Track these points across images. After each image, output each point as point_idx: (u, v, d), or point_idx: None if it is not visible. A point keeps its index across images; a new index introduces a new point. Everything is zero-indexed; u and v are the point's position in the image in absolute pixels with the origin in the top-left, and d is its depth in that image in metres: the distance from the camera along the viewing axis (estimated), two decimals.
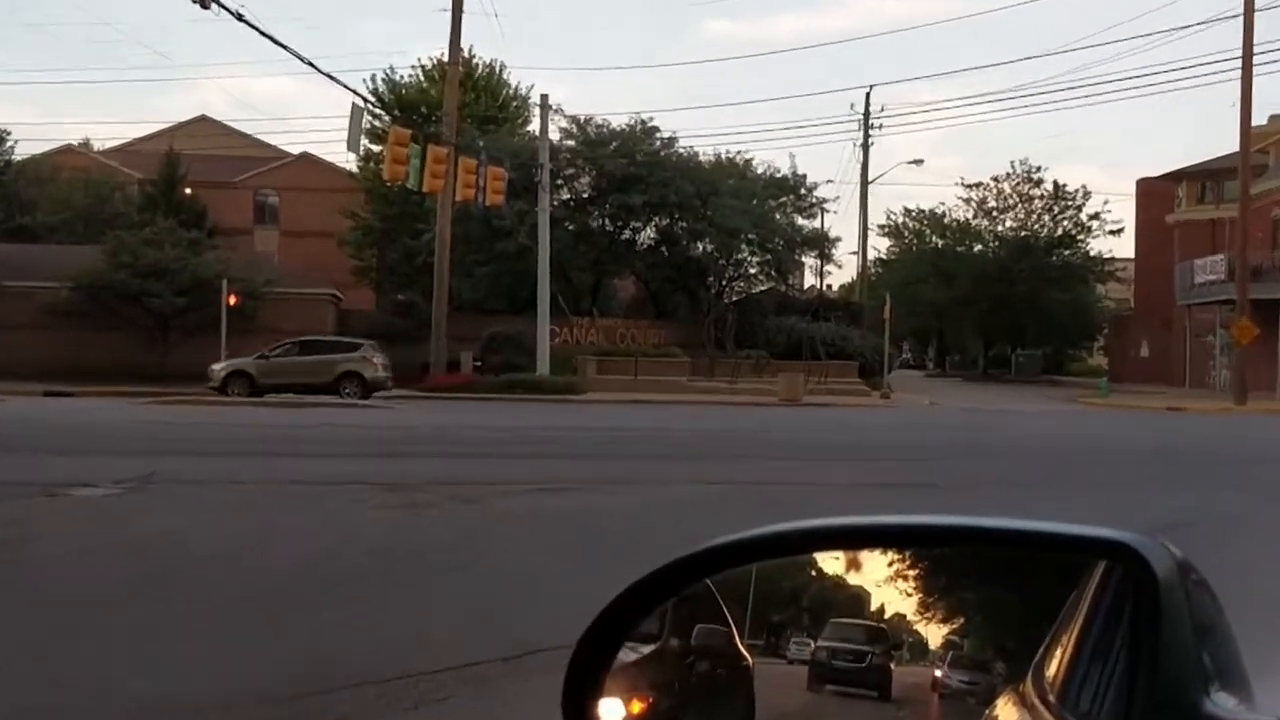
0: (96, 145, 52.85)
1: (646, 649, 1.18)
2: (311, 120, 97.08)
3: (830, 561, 1.24)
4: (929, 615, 1.23)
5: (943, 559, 1.27)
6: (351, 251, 44.03)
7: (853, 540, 1.20)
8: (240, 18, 22.12)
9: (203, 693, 3.87)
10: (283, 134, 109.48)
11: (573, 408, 24.87)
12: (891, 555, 1.24)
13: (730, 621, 1.24)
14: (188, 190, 43.94)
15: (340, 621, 4.89)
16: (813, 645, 1.25)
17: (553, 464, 12.01)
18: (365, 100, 31.67)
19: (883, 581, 1.24)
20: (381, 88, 42.04)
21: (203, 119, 55.29)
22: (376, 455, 12.85)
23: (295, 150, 52.14)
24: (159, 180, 43.32)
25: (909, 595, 1.24)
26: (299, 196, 49.06)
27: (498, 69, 42.79)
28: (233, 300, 30.40)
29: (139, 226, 35.62)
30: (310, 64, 35.17)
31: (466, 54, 36.48)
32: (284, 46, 31.31)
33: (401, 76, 42.86)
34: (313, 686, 3.85)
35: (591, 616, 1.11)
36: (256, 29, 23.09)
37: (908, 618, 1.23)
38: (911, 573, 1.24)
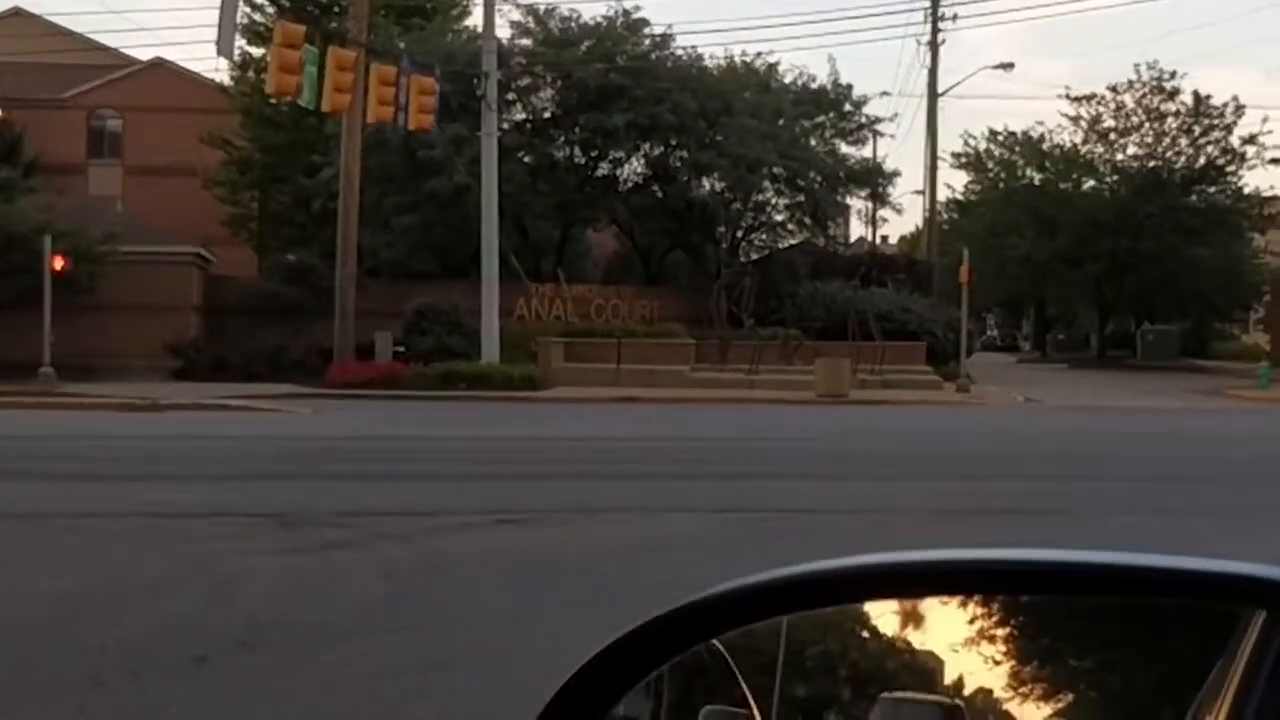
0: None
1: None
2: (167, 14, 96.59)
3: (887, 616, 1.24)
4: (1024, 690, 1.23)
5: (1043, 613, 1.26)
6: (224, 194, 43.83)
7: (920, 583, 1.19)
8: None
9: None
10: (128, 33, 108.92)
11: (534, 409, 24.88)
12: (973, 606, 1.23)
13: (750, 700, 1.23)
14: None
15: None
16: None
17: (509, 487, 12.03)
18: None
19: (960, 644, 1.24)
20: None
21: (16, 13, 54.94)
22: (264, 477, 12.83)
23: (145, 56, 51.83)
24: None
25: (996, 663, 1.24)
26: (150, 120, 48.73)
27: None
28: (59, 264, 30.21)
29: None
30: None
31: None
32: None
33: None
34: None
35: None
36: None
37: (995, 694, 1.23)
38: (1000, 631, 1.24)
